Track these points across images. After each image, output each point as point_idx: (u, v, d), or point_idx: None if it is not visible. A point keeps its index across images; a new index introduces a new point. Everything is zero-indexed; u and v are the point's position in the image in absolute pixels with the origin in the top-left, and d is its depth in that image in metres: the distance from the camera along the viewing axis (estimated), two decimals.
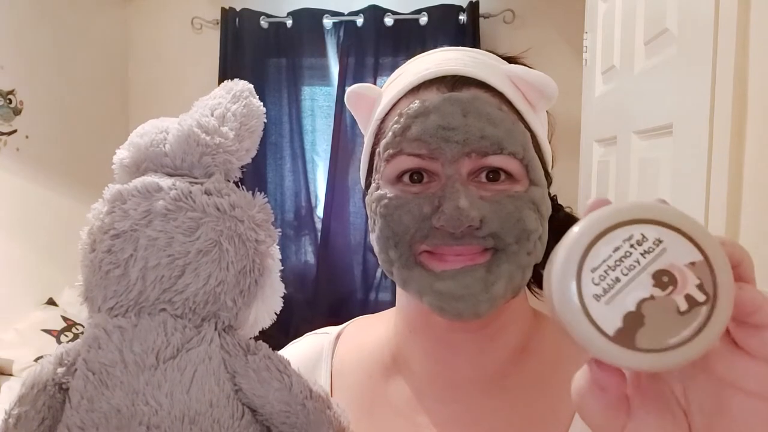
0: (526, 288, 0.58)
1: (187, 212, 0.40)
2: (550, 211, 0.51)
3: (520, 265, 0.48)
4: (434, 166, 0.48)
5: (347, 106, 0.58)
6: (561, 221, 0.57)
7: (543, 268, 0.57)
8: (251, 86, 0.44)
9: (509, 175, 0.49)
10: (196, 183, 0.41)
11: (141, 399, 0.37)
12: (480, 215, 0.47)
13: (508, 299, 0.50)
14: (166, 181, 0.41)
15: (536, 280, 0.59)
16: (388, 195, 0.50)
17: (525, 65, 0.57)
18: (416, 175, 0.50)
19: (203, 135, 0.41)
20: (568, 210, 0.60)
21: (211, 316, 0.41)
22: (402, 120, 0.49)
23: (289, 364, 0.43)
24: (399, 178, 0.50)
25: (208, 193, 0.41)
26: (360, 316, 0.68)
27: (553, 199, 0.58)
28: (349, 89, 0.57)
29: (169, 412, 0.37)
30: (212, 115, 0.42)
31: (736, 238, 0.76)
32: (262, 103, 0.44)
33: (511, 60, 0.58)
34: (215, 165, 0.42)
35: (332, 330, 0.66)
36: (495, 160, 0.48)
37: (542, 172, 0.51)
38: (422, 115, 0.48)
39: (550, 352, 0.57)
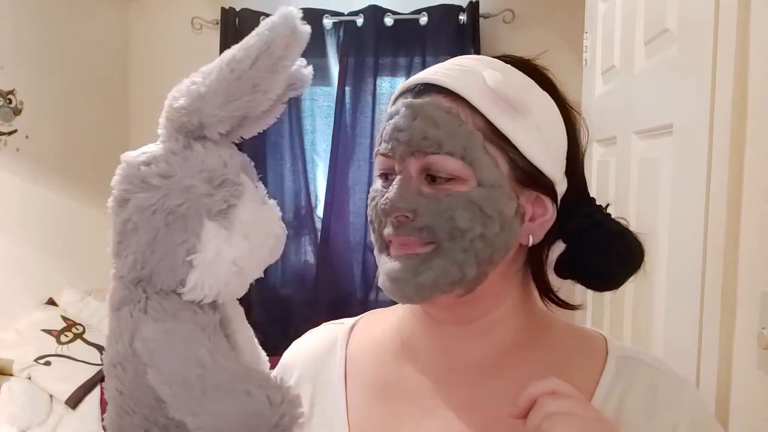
0: (527, 291, 0.60)
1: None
2: (506, 211, 0.53)
3: (455, 262, 0.52)
4: (393, 164, 0.55)
5: None
6: (598, 228, 0.58)
7: (566, 275, 0.59)
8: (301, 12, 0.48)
9: (454, 175, 0.52)
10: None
11: None
12: (410, 208, 0.53)
13: (454, 292, 0.54)
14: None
15: (542, 289, 0.61)
16: (373, 187, 0.59)
17: (535, 66, 0.60)
18: (384, 176, 0.57)
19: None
20: (622, 221, 0.59)
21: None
22: (383, 122, 0.58)
23: None
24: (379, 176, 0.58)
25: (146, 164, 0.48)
26: (373, 310, 0.73)
27: (590, 202, 0.60)
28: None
29: None
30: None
31: (736, 238, 0.76)
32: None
33: (519, 63, 0.59)
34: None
35: (348, 321, 0.71)
36: (435, 159, 0.53)
37: (494, 173, 0.53)
38: (389, 119, 0.56)
39: (557, 351, 0.59)
